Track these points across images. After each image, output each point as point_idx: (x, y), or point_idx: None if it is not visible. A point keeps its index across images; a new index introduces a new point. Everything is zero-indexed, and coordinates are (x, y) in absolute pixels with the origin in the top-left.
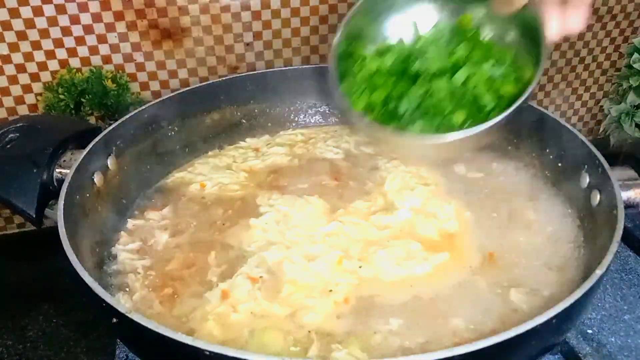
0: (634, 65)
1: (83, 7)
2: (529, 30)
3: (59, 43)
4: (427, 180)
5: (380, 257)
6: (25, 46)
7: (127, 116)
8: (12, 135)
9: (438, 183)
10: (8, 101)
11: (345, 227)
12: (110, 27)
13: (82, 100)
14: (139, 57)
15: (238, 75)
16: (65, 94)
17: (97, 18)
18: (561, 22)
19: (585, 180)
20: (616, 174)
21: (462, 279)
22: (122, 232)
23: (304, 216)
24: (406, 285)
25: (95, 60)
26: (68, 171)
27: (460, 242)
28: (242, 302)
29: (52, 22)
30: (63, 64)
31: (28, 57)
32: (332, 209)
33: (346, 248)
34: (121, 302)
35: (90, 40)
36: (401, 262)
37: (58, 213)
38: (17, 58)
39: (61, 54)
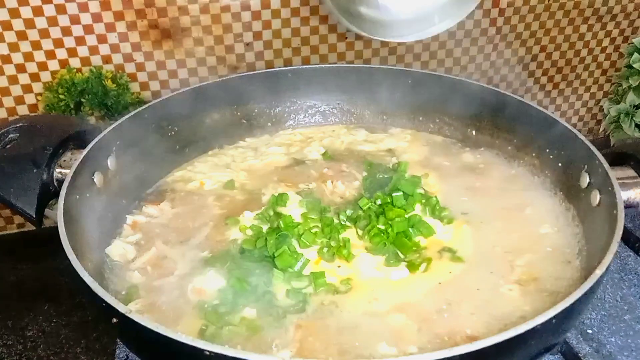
0: (634, 65)
1: (83, 7)
2: None
3: (59, 43)
4: (432, 188)
5: (361, 259)
6: (25, 46)
7: (127, 116)
8: (12, 135)
9: (440, 190)
10: (8, 101)
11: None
12: (110, 27)
13: (82, 100)
14: (139, 57)
15: (238, 75)
16: (65, 94)
17: (97, 18)
18: None
19: (585, 180)
20: (616, 174)
21: (443, 282)
22: (122, 230)
23: (298, 213)
24: (369, 288)
25: (95, 60)
26: (68, 171)
27: (450, 249)
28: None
29: (52, 22)
30: (63, 64)
31: (28, 57)
32: (329, 211)
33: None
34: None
35: (90, 40)
36: (380, 266)
37: (58, 213)
38: (17, 58)
39: (61, 54)
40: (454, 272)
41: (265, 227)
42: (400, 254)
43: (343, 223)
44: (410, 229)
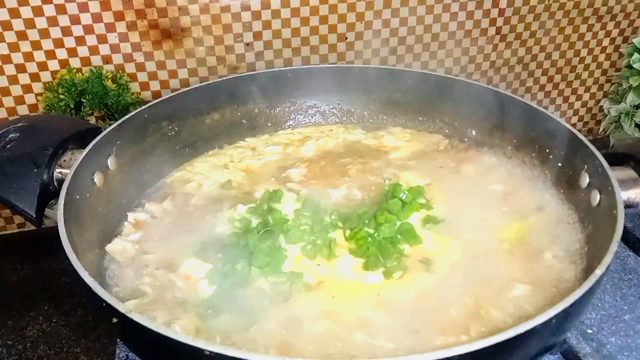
0: (634, 65)
1: (83, 7)
2: None
3: (59, 43)
4: (432, 196)
5: (343, 260)
6: (25, 46)
7: (127, 116)
8: (12, 135)
9: (439, 195)
10: (8, 101)
11: None
12: (110, 27)
13: (82, 100)
14: (139, 57)
15: (238, 75)
16: (65, 94)
17: (97, 18)
18: None
19: (585, 180)
20: (616, 174)
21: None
22: (123, 228)
23: (291, 210)
24: (328, 292)
25: (95, 60)
26: (68, 171)
27: (428, 260)
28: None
29: (52, 22)
30: (63, 64)
31: (28, 57)
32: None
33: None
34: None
35: (90, 40)
36: (359, 269)
37: (58, 213)
38: (17, 58)
39: (61, 54)
40: (422, 285)
41: (255, 221)
42: (381, 259)
43: (334, 223)
44: (399, 236)
